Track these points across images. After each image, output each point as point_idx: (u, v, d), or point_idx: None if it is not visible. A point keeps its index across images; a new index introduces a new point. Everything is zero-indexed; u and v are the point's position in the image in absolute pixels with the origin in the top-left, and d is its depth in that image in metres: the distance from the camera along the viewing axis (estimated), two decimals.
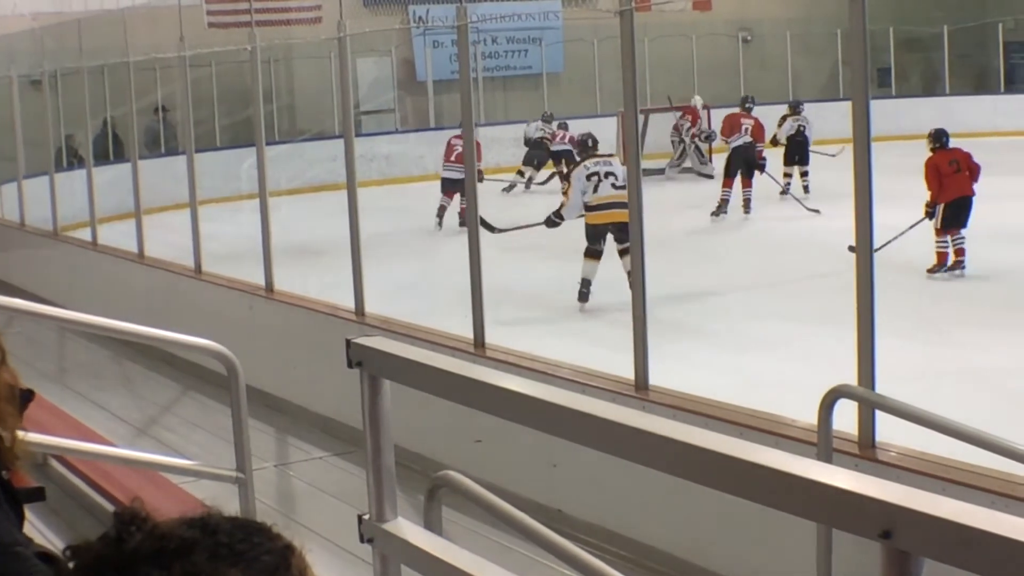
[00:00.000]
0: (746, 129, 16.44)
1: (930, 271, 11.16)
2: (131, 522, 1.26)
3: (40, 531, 4.88)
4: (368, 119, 22.69)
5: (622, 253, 9.79)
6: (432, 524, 3.31)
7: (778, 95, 21.63)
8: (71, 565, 1.27)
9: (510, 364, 6.32)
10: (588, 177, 10.50)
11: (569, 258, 10.77)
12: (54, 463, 6.29)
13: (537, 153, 19.42)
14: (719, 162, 17.43)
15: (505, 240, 11.48)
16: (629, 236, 6.15)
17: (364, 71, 21.82)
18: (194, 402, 8.83)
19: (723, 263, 12.63)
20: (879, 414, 4.69)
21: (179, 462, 5.85)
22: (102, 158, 16.23)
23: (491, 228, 10.35)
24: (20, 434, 2.37)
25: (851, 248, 5.01)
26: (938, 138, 11.56)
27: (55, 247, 13.22)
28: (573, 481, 5.99)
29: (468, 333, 6.85)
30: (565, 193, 11.10)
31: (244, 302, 9.05)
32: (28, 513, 2.57)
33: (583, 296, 10.41)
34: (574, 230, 10.75)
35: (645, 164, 7.23)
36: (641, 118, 11.17)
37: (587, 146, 11.22)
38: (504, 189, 18.77)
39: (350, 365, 2.79)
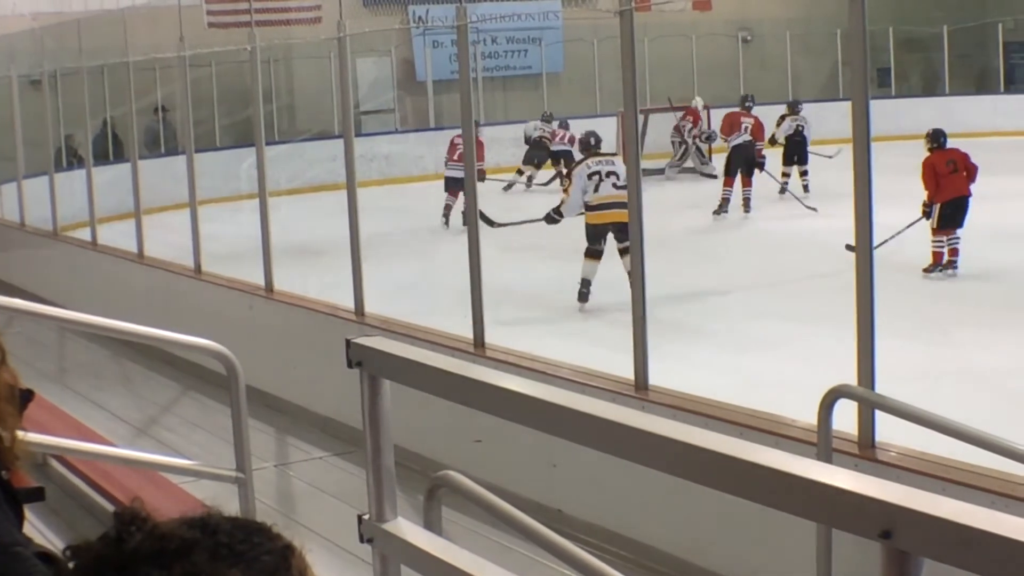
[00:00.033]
0: (746, 128, 16.46)
1: (926, 270, 11.18)
2: (131, 522, 1.26)
3: (40, 531, 4.88)
4: (368, 119, 22.67)
5: (622, 253, 9.76)
6: (432, 524, 3.30)
7: (778, 95, 21.60)
8: (71, 565, 1.27)
9: (510, 364, 6.32)
10: (590, 176, 10.45)
11: (569, 258, 10.76)
12: (54, 463, 6.29)
13: (537, 152, 19.42)
14: (719, 162, 17.44)
15: (505, 240, 11.48)
16: (629, 236, 6.16)
17: (364, 71, 21.81)
18: (194, 402, 8.82)
19: (723, 263, 12.62)
20: (879, 414, 4.69)
21: (179, 462, 5.85)
22: (102, 158, 16.22)
23: (490, 222, 10.33)
24: (20, 434, 2.36)
25: (849, 247, 5.01)
26: (936, 138, 11.57)
27: (55, 247, 13.22)
28: (573, 481, 5.98)
29: (468, 333, 6.85)
30: (566, 191, 11.05)
31: (244, 302, 9.05)
32: (28, 513, 2.57)
33: (583, 296, 10.39)
34: (574, 230, 10.74)
35: (645, 164, 7.22)
36: (641, 118, 11.19)
37: (589, 145, 11.13)
38: (504, 188, 18.78)
39: (350, 365, 2.79)
